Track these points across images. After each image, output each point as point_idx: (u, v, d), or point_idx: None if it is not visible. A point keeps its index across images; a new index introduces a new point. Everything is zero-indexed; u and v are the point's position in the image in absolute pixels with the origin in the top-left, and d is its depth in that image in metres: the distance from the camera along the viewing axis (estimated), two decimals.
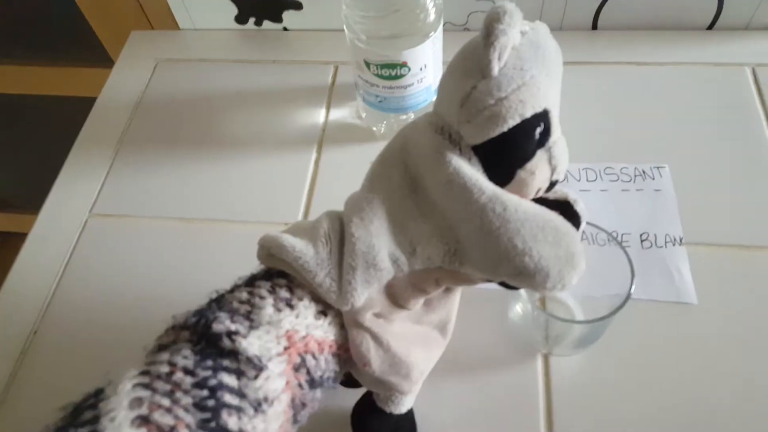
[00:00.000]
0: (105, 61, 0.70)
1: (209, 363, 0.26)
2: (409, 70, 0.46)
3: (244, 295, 0.29)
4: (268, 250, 0.31)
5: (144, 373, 0.25)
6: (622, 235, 0.46)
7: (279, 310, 0.29)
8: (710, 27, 0.57)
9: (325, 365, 0.30)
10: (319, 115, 0.56)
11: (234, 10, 0.61)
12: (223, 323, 0.27)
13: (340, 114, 0.56)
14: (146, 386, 0.25)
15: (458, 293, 0.34)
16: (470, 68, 0.28)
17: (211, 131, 0.56)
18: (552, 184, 0.31)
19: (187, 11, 0.62)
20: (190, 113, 0.57)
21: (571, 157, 0.50)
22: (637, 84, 0.55)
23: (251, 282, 0.30)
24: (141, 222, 0.50)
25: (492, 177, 0.29)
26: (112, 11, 0.64)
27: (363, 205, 0.30)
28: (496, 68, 0.27)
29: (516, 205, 0.28)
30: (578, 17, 0.58)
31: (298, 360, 0.28)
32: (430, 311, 0.34)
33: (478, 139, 0.28)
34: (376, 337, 0.30)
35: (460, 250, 0.29)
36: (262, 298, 0.29)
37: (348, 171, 0.52)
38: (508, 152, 0.29)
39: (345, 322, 0.30)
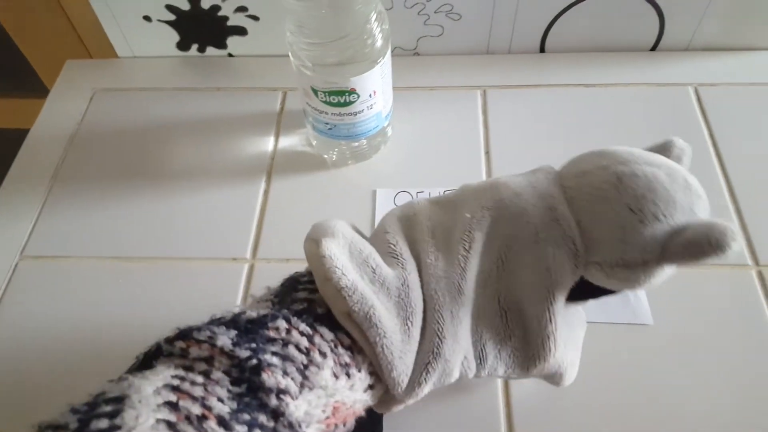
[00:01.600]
0: (39, 91, 0.67)
1: (246, 417, 0.23)
2: (358, 96, 0.45)
3: (304, 342, 0.26)
4: (349, 307, 0.26)
5: (173, 406, 0.22)
6: None
7: (336, 376, 0.26)
8: (653, 48, 0.59)
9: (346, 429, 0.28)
10: (268, 144, 0.54)
11: (175, 37, 0.59)
12: (276, 377, 0.24)
13: (289, 142, 0.54)
14: (172, 426, 0.21)
15: None
16: (655, 240, 0.26)
17: (152, 164, 0.53)
18: None
19: (126, 39, 0.59)
20: (129, 145, 0.54)
21: None
22: (584, 105, 0.55)
23: (307, 318, 0.27)
24: (77, 263, 0.47)
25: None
26: (46, 39, 0.61)
27: (454, 292, 0.28)
28: (669, 269, 0.28)
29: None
30: (526, 41, 0.58)
31: (332, 429, 0.27)
32: None
33: (593, 281, 0.28)
34: None
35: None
36: (323, 355, 0.26)
37: (299, 201, 0.50)
38: (589, 296, 0.31)
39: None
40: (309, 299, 0.28)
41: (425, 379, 0.27)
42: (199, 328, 0.25)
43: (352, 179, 0.51)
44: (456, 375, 0.28)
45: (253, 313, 0.26)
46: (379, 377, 0.28)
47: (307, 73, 0.44)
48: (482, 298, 0.29)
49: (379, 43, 0.44)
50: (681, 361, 0.41)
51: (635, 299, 0.43)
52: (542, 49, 0.59)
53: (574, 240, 0.27)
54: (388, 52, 0.46)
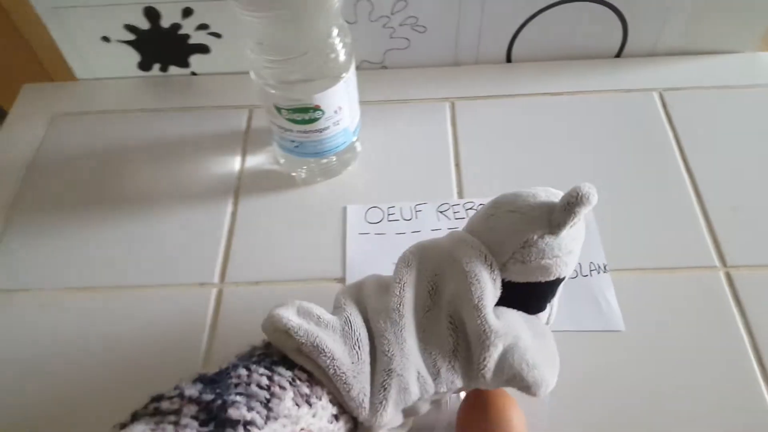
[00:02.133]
0: None
1: None
2: (323, 113, 0.45)
3: (264, 380, 0.28)
4: (297, 342, 0.30)
5: None
6: None
7: (298, 405, 0.28)
8: (618, 55, 0.59)
9: None
10: (235, 163, 0.53)
11: (136, 57, 0.58)
12: (241, 410, 0.26)
13: (257, 161, 0.53)
14: None
15: None
16: (537, 219, 0.32)
17: (114, 189, 0.52)
18: None
19: (84, 61, 0.58)
20: (90, 170, 0.53)
21: (495, 190, 0.49)
22: (552, 114, 0.55)
23: (264, 362, 0.30)
24: (39, 296, 0.46)
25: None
26: (2, 63, 0.59)
27: (394, 316, 0.32)
28: (564, 232, 0.32)
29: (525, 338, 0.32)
30: (492, 51, 0.58)
31: None
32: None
33: (520, 279, 0.33)
34: None
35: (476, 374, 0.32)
36: (282, 388, 0.28)
37: (268, 221, 0.49)
38: (535, 298, 0.35)
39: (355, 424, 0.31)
40: (265, 353, 0.31)
41: (385, 396, 0.30)
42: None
43: (322, 196, 0.51)
44: (415, 391, 0.31)
45: (214, 370, 0.29)
46: (343, 407, 0.30)
47: (270, 92, 0.43)
48: (426, 320, 0.32)
49: (342, 57, 0.43)
50: (654, 365, 0.41)
51: (607, 306, 0.43)
52: (509, 59, 0.59)
53: (481, 249, 0.32)
54: (352, 67, 0.45)
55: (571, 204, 0.30)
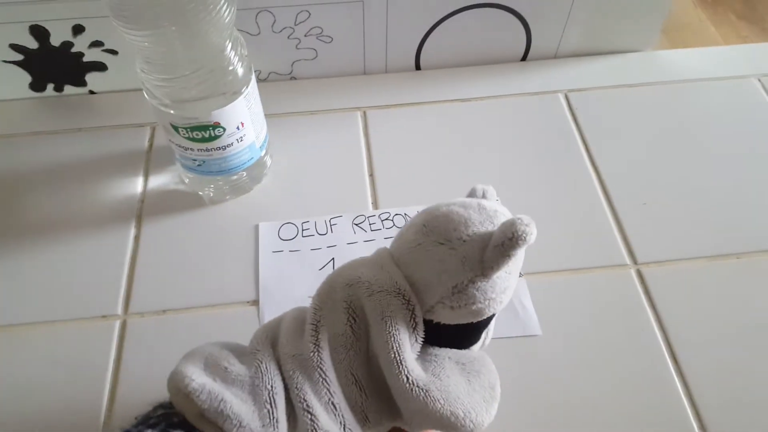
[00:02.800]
0: None
1: None
2: (224, 130, 0.43)
3: None
4: (198, 405, 0.27)
5: None
6: None
7: None
8: (524, 58, 0.60)
9: None
10: (137, 185, 0.50)
11: (27, 77, 0.54)
12: None
13: (160, 181, 0.51)
14: None
15: None
16: (469, 259, 0.28)
17: (7, 218, 0.48)
18: None
19: None
20: None
21: (410, 199, 0.50)
22: (462, 119, 0.56)
23: (161, 425, 0.28)
24: None
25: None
26: None
27: (313, 364, 0.29)
28: (495, 274, 0.28)
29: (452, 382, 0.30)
30: (401, 59, 0.58)
31: None
32: None
33: (448, 321, 0.30)
34: None
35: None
36: None
37: (174, 244, 0.47)
38: (467, 336, 0.32)
39: None
40: (166, 413, 0.28)
41: None
42: None
43: (232, 215, 0.49)
44: None
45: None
46: None
47: (165, 111, 0.41)
48: (350, 359, 0.30)
49: (239, 71, 0.42)
50: (571, 366, 0.41)
51: (523, 312, 0.43)
52: (418, 67, 0.59)
53: (402, 291, 0.29)
54: (253, 80, 0.44)
55: (506, 246, 0.27)
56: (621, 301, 0.44)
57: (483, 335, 0.33)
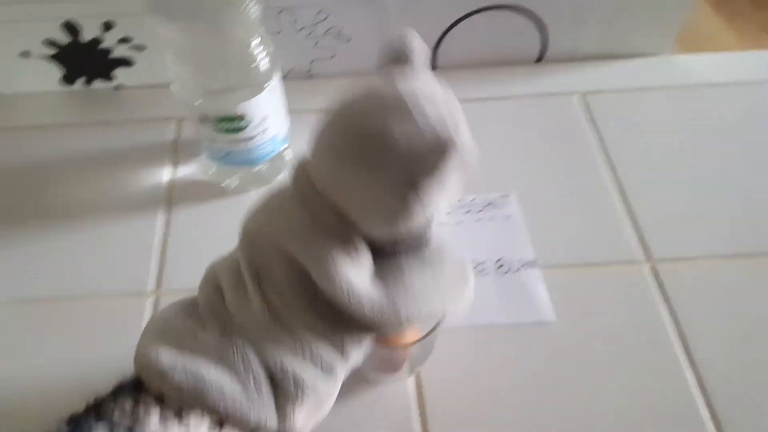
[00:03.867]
0: None
1: None
2: (250, 122, 0.45)
3: (128, 406, 0.26)
4: (174, 384, 0.27)
5: None
6: (480, 263, 0.46)
7: (166, 420, 0.26)
8: (539, 59, 0.61)
9: None
10: (164, 174, 0.52)
11: (59, 71, 0.56)
12: None
13: (186, 171, 0.52)
14: None
15: None
16: (397, 177, 0.26)
17: (40, 203, 0.50)
18: None
19: (4, 76, 0.56)
20: (13, 186, 0.51)
21: None
22: (478, 119, 0.55)
23: (137, 387, 0.27)
24: None
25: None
26: None
27: (269, 320, 0.29)
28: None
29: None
30: None
31: None
32: None
33: (389, 237, 0.29)
34: None
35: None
36: (147, 409, 0.26)
37: (203, 229, 0.49)
38: (417, 239, 0.31)
39: None
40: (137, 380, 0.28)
41: (291, 409, 0.28)
42: None
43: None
44: (321, 389, 0.29)
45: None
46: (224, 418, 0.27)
47: (194, 103, 0.43)
48: (300, 304, 0.29)
49: (264, 67, 0.43)
50: (583, 354, 0.42)
51: (537, 299, 0.44)
52: (434, 66, 0.60)
53: (330, 227, 0.28)
54: (277, 76, 0.45)
55: (434, 158, 0.25)
56: (635, 296, 0.45)
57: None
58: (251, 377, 0.27)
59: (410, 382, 0.41)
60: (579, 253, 0.47)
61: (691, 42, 0.64)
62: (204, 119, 0.44)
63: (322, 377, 0.29)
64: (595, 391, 0.41)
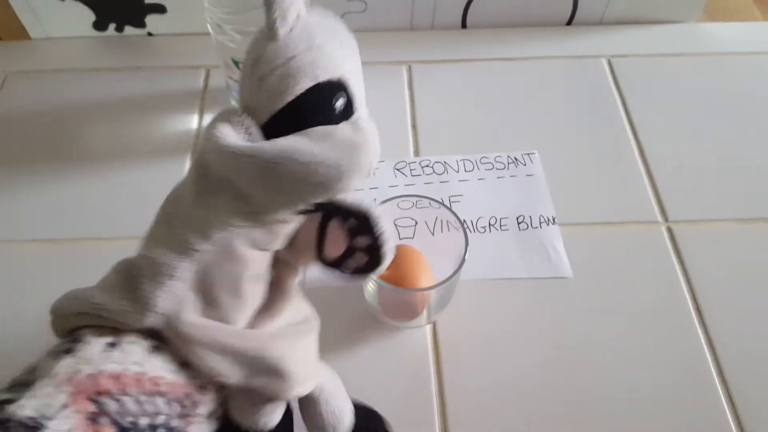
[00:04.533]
0: None
1: None
2: None
3: (32, 363, 0.25)
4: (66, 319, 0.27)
5: None
6: (501, 219, 0.47)
7: (69, 351, 0.24)
8: (569, 23, 0.61)
9: (142, 407, 0.24)
10: (192, 122, 0.53)
11: (91, 16, 0.57)
12: None
13: None
14: None
15: (293, 293, 0.31)
16: (259, 39, 0.27)
17: (72, 145, 0.51)
18: None
19: (39, 19, 0.57)
20: (47, 127, 0.52)
21: (449, 149, 0.52)
22: (505, 78, 0.57)
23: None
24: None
25: None
26: None
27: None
28: (281, 30, 0.26)
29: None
30: (447, 17, 0.59)
31: (92, 407, 0.23)
32: (276, 315, 0.30)
33: (277, 105, 0.27)
34: (214, 342, 0.26)
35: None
36: (55, 354, 0.25)
37: None
38: (307, 119, 0.27)
39: (173, 345, 0.26)
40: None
41: (140, 282, 0.27)
42: None
43: None
44: (173, 265, 0.27)
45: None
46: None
47: (228, 45, 0.44)
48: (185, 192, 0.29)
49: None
50: (598, 309, 0.43)
51: (556, 255, 0.45)
52: (464, 25, 0.60)
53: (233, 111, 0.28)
54: None
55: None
56: (651, 255, 0.46)
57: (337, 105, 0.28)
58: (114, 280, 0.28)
59: (427, 331, 0.42)
60: (598, 212, 0.48)
61: (716, 12, 0.63)
62: (236, 62, 0.45)
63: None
64: (608, 345, 0.42)
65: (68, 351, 0.25)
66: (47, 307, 0.42)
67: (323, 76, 0.27)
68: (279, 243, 0.29)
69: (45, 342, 0.40)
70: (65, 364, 0.24)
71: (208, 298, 0.27)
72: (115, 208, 0.48)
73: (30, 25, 0.58)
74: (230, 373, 0.27)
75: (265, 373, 0.28)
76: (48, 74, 0.56)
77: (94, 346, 0.25)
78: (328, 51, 0.27)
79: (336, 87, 0.27)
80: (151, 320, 0.26)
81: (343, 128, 0.27)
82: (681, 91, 0.56)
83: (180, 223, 0.28)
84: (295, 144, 0.26)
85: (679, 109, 0.55)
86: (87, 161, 0.50)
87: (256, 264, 0.28)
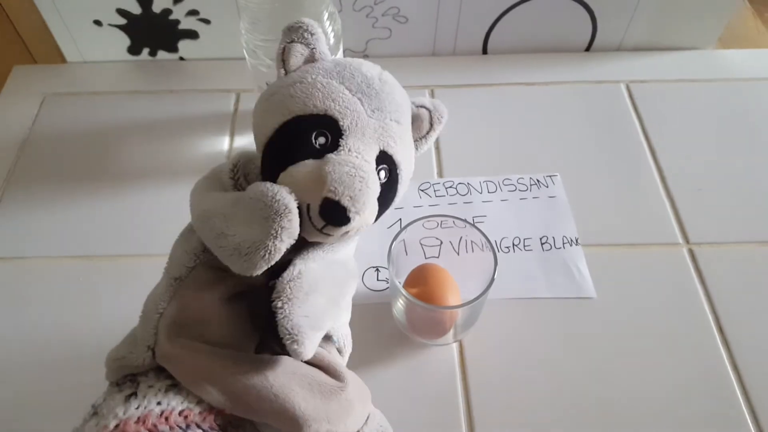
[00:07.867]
0: None
1: None
2: None
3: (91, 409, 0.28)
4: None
5: None
6: (524, 239, 0.48)
7: (94, 414, 0.27)
8: (587, 48, 0.63)
9: None
10: (223, 144, 0.55)
11: (126, 41, 0.59)
12: None
13: (245, 141, 0.55)
14: None
15: None
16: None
17: (107, 165, 0.53)
18: (325, 202, 0.29)
19: (75, 43, 0.59)
20: (83, 148, 0.54)
21: (473, 171, 0.53)
22: (526, 103, 0.59)
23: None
24: (34, 263, 0.47)
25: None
26: None
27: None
28: (282, 71, 0.32)
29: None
30: (469, 43, 0.61)
31: None
32: None
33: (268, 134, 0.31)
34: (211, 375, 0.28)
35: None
36: (84, 420, 0.28)
37: None
38: (280, 150, 0.30)
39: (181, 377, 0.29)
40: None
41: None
42: None
43: None
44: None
45: None
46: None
47: (262, 70, 0.46)
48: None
49: (331, 41, 0.46)
50: (621, 329, 0.44)
51: (579, 275, 0.46)
52: (485, 51, 0.62)
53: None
54: (340, 52, 0.48)
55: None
56: (673, 276, 0.47)
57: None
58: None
59: (454, 349, 0.43)
60: (620, 233, 0.49)
61: (731, 40, 0.65)
62: None
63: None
64: (631, 364, 0.42)
65: (93, 414, 0.27)
66: (84, 321, 0.44)
67: (302, 111, 0.30)
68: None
69: (83, 355, 0.42)
70: (90, 426, 0.26)
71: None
72: (148, 226, 0.49)
73: (67, 49, 0.60)
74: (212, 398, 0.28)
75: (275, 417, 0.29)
76: (84, 97, 0.59)
77: (116, 401, 0.27)
78: (318, 88, 0.30)
79: (316, 119, 0.30)
80: (150, 356, 0.29)
81: None
82: (698, 115, 0.57)
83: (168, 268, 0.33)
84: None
85: (696, 132, 0.56)
86: (121, 180, 0.52)
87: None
